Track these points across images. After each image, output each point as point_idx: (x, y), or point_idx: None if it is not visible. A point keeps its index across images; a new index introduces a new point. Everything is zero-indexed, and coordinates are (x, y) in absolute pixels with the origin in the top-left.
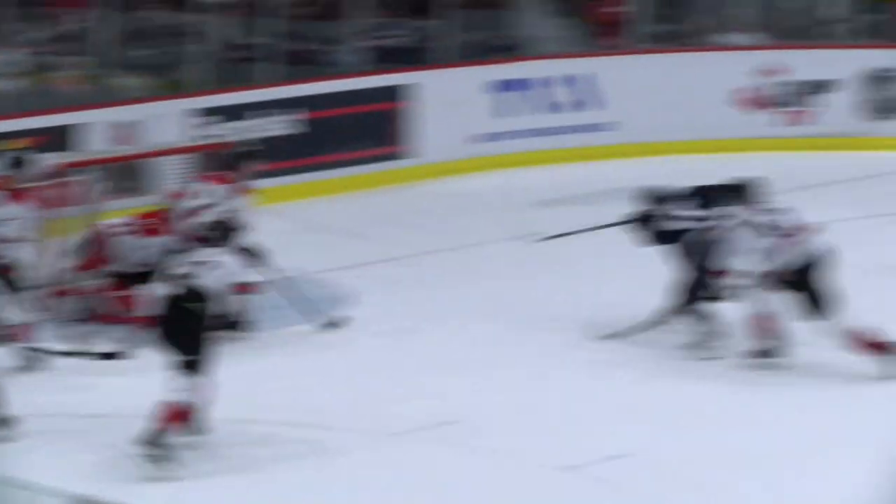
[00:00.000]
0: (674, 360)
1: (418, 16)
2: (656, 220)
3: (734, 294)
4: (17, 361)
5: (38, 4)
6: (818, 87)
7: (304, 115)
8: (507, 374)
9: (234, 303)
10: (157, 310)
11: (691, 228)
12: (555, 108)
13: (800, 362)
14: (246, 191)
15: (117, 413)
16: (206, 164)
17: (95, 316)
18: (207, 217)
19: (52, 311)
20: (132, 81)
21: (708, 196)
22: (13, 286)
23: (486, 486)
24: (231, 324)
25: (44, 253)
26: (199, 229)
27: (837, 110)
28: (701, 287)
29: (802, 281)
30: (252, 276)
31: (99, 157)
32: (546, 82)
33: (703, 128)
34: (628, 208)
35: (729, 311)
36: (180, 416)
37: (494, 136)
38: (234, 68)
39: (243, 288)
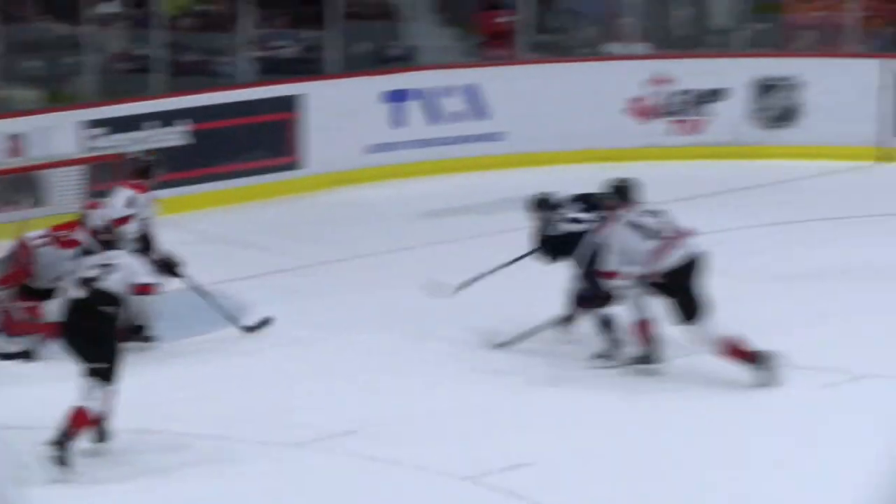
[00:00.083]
0: (568, 367)
1: (308, 26)
2: (546, 227)
3: (620, 297)
4: None
5: None
6: (708, 96)
7: (193, 127)
8: (403, 383)
9: (135, 304)
10: (63, 315)
11: (578, 232)
12: (445, 118)
13: (681, 368)
14: (153, 200)
15: (24, 424)
16: (113, 175)
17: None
18: (133, 226)
19: None
20: (20, 94)
21: (589, 201)
22: None
23: (391, 496)
24: (135, 328)
25: None
26: (122, 237)
27: (727, 119)
28: (593, 292)
29: (676, 285)
30: (154, 278)
31: None
32: (435, 93)
33: (590, 137)
34: (519, 217)
35: (620, 316)
36: (86, 421)
37: (387, 147)
38: (124, 80)
39: (144, 289)
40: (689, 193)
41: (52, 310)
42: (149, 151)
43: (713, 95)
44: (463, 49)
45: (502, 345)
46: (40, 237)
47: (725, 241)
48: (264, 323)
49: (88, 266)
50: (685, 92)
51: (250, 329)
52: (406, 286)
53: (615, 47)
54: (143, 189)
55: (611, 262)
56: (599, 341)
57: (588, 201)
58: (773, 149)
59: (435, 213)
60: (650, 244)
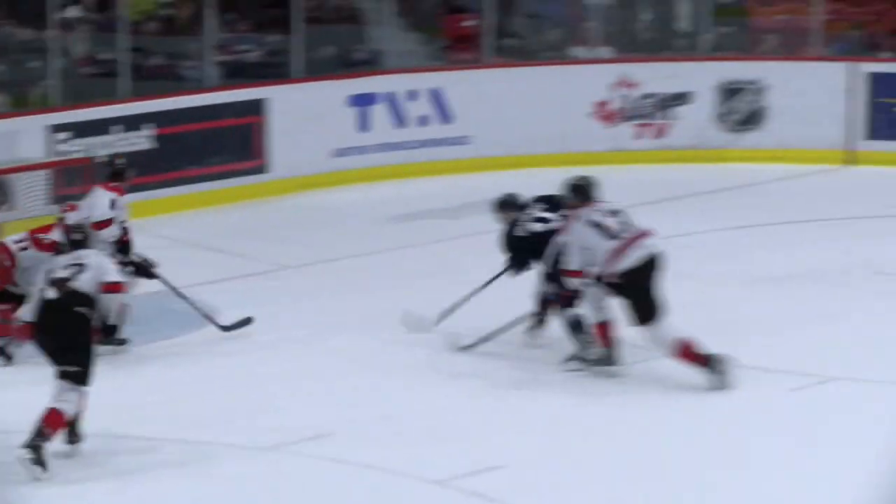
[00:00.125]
0: (538, 370)
1: (273, 30)
2: (514, 227)
3: (582, 297)
4: None
5: None
6: (673, 99)
7: (158, 131)
8: (373, 386)
9: (106, 302)
10: (35, 316)
11: (546, 232)
12: (410, 122)
13: (641, 369)
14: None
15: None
16: (83, 179)
17: None
18: (115, 229)
19: None
20: None
21: (552, 201)
22: None
23: (361, 499)
24: (108, 328)
25: None
26: (99, 238)
27: (693, 123)
28: (559, 292)
29: (633, 285)
30: (123, 277)
31: None
32: (400, 97)
33: (556, 141)
34: (487, 220)
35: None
36: (61, 423)
37: (353, 151)
38: (89, 84)
39: (113, 287)
40: (655, 197)
41: (25, 311)
42: (116, 155)
43: (678, 99)
44: (428, 53)
45: (466, 347)
46: (20, 241)
47: (692, 245)
48: (244, 323)
49: (59, 266)
50: (650, 95)
51: (229, 328)
52: (374, 289)
53: (580, 51)
54: (121, 191)
55: (574, 262)
56: (570, 343)
57: (550, 202)
58: (738, 152)
59: (402, 217)
60: (610, 244)
